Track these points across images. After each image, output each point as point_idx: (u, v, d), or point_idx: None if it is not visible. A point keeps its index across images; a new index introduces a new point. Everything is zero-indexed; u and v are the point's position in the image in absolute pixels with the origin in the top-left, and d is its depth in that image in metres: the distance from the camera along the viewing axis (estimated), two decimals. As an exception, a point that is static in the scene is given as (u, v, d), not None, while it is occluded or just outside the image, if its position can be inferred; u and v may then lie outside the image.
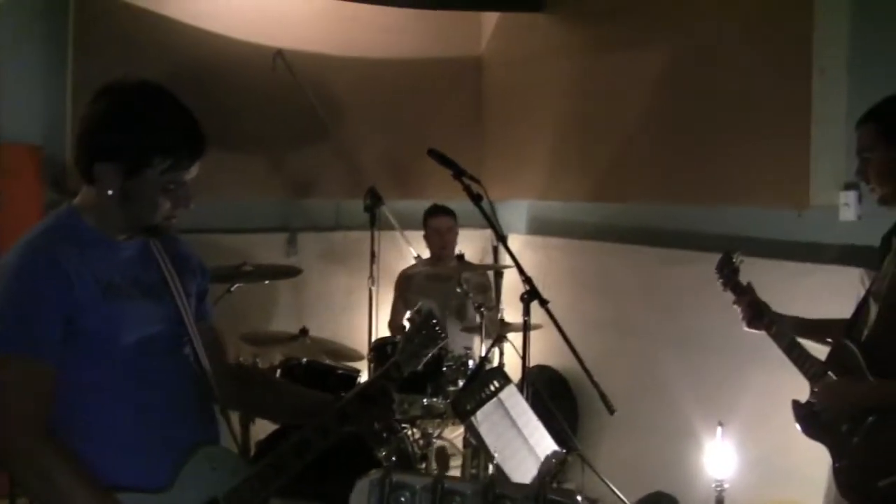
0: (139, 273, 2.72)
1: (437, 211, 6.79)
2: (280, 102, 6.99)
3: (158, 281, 2.77)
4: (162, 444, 2.67)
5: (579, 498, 1.68)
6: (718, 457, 4.52)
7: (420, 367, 3.05)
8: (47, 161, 6.32)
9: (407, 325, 3.09)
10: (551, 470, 1.64)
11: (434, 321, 3.06)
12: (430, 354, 3.05)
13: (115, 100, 2.61)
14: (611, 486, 4.86)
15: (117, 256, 2.69)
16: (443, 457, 5.66)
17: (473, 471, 5.48)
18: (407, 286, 6.78)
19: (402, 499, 1.68)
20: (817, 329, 3.91)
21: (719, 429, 4.52)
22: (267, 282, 6.46)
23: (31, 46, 6.40)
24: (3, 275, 2.55)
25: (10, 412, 2.46)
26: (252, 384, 3.17)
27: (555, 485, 3.77)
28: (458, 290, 6.02)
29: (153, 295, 2.73)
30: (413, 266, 6.94)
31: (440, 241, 6.73)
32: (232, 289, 5.81)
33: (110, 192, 2.59)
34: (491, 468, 5.38)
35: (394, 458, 5.25)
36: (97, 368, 2.59)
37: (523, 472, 3.81)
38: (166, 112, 2.62)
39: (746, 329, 4.00)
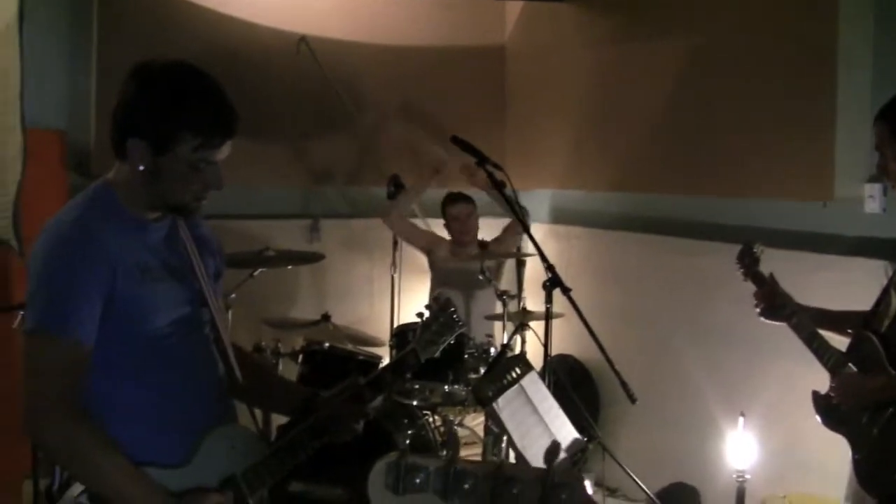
0: (167, 255, 2.74)
1: (455, 198, 6.73)
2: (304, 89, 7.01)
3: (184, 263, 2.79)
4: (182, 421, 2.70)
5: (587, 482, 1.72)
6: (740, 447, 4.52)
7: (437, 355, 3.08)
8: (71, 146, 6.36)
9: (425, 312, 3.10)
10: (557, 453, 1.69)
11: (452, 309, 3.10)
12: (447, 342, 3.09)
13: (147, 77, 2.61)
14: (631, 475, 4.87)
15: (149, 237, 2.70)
16: (454, 441, 5.65)
17: (494, 457, 5.49)
18: (435, 251, 6.82)
19: (417, 480, 1.71)
20: (838, 321, 3.89)
21: (741, 419, 4.52)
22: (289, 267, 6.46)
23: (56, 33, 6.44)
24: (47, 251, 2.56)
25: (47, 390, 2.48)
26: (246, 369, 3.08)
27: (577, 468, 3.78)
28: (481, 277, 6.01)
29: (180, 277, 2.75)
30: (443, 243, 6.91)
31: (460, 228, 6.66)
32: (254, 274, 5.83)
33: (141, 168, 2.59)
34: (512, 455, 5.41)
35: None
36: (123, 347, 2.61)
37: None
38: (198, 90, 2.61)
39: (764, 320, 3.99)
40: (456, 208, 6.69)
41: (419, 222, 7.17)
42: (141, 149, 2.57)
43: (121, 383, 2.63)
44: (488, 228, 6.95)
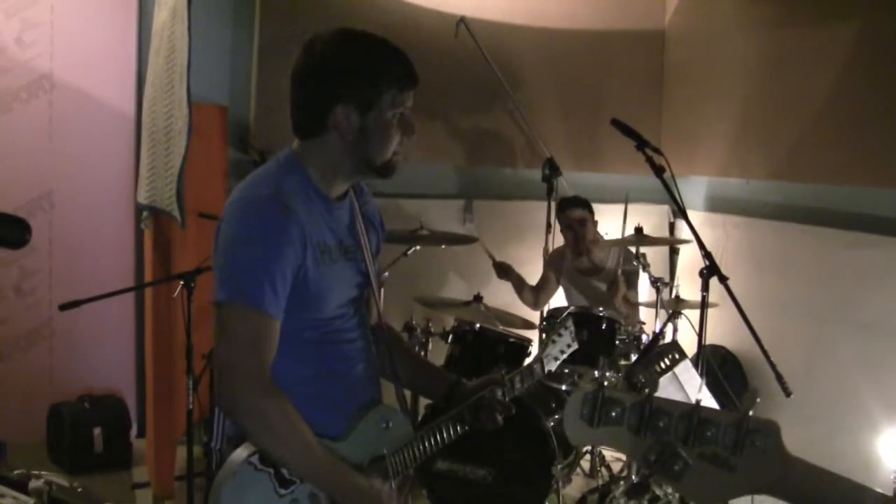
0: (344, 235, 2.76)
1: (565, 204, 6.36)
2: (462, 70, 7.01)
3: (356, 243, 2.82)
4: (343, 397, 2.76)
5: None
6: (898, 446, 4.39)
7: (554, 369, 3.24)
8: (232, 121, 6.49)
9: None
10: (755, 400, 1.69)
11: (571, 330, 3.28)
12: (565, 357, 3.28)
13: (332, 45, 2.68)
14: (783, 470, 4.77)
15: (332, 217, 2.73)
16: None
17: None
18: (559, 267, 6.66)
19: (613, 413, 1.72)
20: None
21: (900, 417, 4.40)
22: (443, 246, 6.48)
23: (220, 11, 6.60)
24: (243, 222, 2.58)
25: (243, 362, 2.52)
26: (392, 347, 3.12)
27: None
28: (636, 262, 5.93)
29: (351, 257, 2.77)
30: (565, 247, 6.66)
31: (573, 236, 6.33)
32: (408, 252, 5.88)
33: (350, 138, 2.65)
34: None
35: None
36: (296, 323, 2.64)
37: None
38: (380, 45, 2.72)
39: None
40: (565, 215, 6.35)
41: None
42: (348, 113, 2.63)
43: (288, 355, 2.65)
44: (644, 214, 6.87)
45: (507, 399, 2.99)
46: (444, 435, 2.90)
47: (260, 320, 2.52)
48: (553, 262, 6.71)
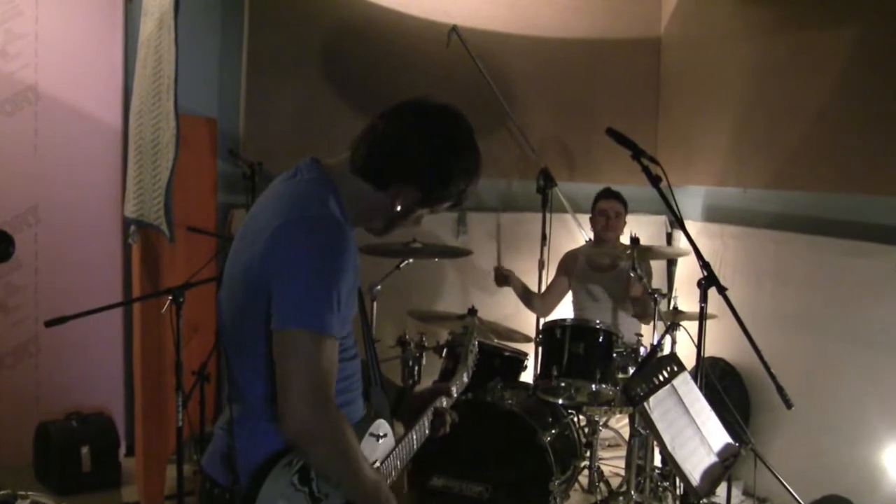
0: (356, 257, 2.70)
1: (607, 194, 6.51)
2: (454, 80, 6.94)
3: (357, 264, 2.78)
4: (351, 412, 2.74)
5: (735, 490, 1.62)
6: (903, 460, 4.31)
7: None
8: (221, 133, 6.43)
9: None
10: None
11: (471, 338, 3.64)
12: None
13: (446, 140, 2.69)
14: (784, 483, 4.71)
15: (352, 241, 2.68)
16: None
17: (639, 461, 5.37)
18: (571, 268, 6.63)
19: None
20: None
21: (905, 430, 4.32)
22: (436, 260, 6.42)
23: (209, 23, 6.57)
24: (310, 247, 2.51)
25: (319, 389, 2.46)
26: None
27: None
28: (633, 274, 5.84)
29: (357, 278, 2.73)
30: (579, 248, 6.77)
31: (605, 224, 6.43)
32: (401, 265, 5.81)
33: (394, 212, 2.67)
34: (657, 458, 5.29)
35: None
36: None
37: (695, 461, 3.72)
38: (475, 154, 2.75)
39: None
40: (606, 203, 6.48)
41: (568, 217, 7.08)
42: (409, 194, 2.65)
43: None
44: (640, 225, 6.81)
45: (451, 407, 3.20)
46: (414, 444, 3.01)
47: (329, 345, 2.48)
48: (566, 263, 6.70)
